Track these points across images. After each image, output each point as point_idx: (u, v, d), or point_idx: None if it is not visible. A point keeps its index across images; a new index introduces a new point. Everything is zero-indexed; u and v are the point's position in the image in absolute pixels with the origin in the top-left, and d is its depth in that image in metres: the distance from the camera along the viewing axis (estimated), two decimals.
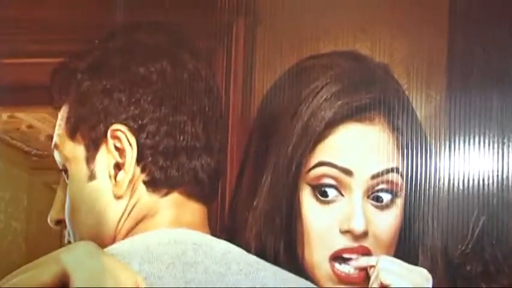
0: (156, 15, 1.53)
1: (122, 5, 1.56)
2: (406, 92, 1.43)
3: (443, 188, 1.44)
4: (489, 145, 1.45)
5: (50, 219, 1.38)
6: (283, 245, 1.36)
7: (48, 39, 1.55)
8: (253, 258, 1.27)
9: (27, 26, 1.61)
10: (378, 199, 1.37)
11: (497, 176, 1.46)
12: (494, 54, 1.41)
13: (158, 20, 1.47)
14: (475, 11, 1.43)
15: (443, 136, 1.44)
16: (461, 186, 1.45)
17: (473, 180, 1.45)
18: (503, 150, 1.47)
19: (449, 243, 1.43)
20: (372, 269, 1.33)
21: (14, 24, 1.62)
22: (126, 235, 1.29)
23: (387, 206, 1.37)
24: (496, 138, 1.45)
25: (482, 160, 1.45)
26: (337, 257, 1.35)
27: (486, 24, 1.45)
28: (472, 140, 1.45)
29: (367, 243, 1.35)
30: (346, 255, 1.35)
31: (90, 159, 1.31)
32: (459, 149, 1.45)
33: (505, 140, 1.44)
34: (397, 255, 1.37)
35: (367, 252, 1.35)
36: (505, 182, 1.46)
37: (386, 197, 1.37)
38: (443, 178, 1.44)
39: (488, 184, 1.46)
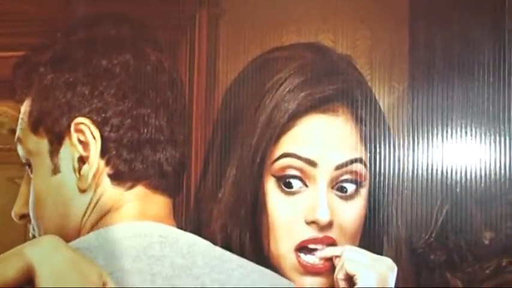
0: (118, 7, 1.52)
1: None
2: (369, 83, 1.44)
3: (406, 177, 1.45)
4: (451, 135, 1.46)
5: (14, 213, 1.37)
6: (248, 236, 1.36)
7: (9, 32, 1.54)
8: (219, 250, 1.26)
9: None
10: (342, 189, 1.37)
11: (460, 165, 1.47)
12: (455, 45, 1.42)
13: (120, 12, 1.45)
14: (436, 2, 1.44)
15: (406, 126, 1.45)
16: (424, 176, 1.46)
17: (437, 169, 1.46)
18: (465, 139, 1.47)
19: (414, 232, 1.44)
20: (337, 259, 1.33)
21: None
22: (91, 229, 1.28)
23: (351, 196, 1.38)
24: (458, 128, 1.46)
25: (444, 150, 1.46)
26: (303, 248, 1.36)
27: (447, 15, 1.46)
28: (434, 130, 1.46)
29: (332, 233, 1.36)
30: (311, 246, 1.35)
31: (53, 153, 1.30)
32: (422, 139, 1.46)
33: (467, 130, 1.45)
34: (362, 245, 1.38)
35: (332, 243, 1.35)
36: (468, 171, 1.47)
37: (350, 187, 1.37)
38: (407, 168, 1.45)
39: (452, 173, 1.47)
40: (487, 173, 1.46)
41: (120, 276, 1.20)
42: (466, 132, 1.43)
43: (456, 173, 1.45)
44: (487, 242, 1.43)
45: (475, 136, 1.45)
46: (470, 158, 1.46)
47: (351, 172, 1.37)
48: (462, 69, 1.41)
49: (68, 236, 1.26)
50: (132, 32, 1.36)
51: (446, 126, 1.43)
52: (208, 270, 1.23)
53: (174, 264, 1.22)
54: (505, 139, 1.46)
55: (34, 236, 1.33)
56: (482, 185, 1.44)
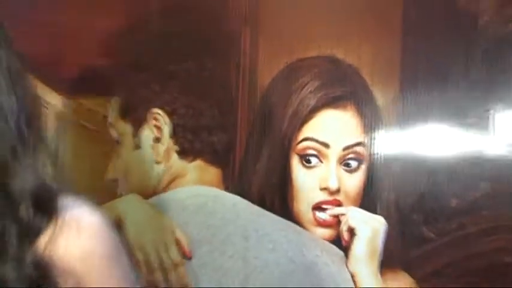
0: (183, 26, 1.55)
1: (158, 17, 1.61)
2: (370, 87, 1.51)
3: (396, 157, 1.52)
4: (432, 126, 1.49)
5: (107, 178, 1.47)
6: (277, 198, 1.44)
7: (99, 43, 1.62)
8: (256, 208, 1.35)
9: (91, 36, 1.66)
10: (347, 165, 1.45)
11: (439, 149, 1.49)
12: (436, 59, 1.45)
13: (187, 29, 1.52)
14: (423, 26, 1.48)
15: (396, 119, 1.51)
16: (410, 157, 1.52)
17: (420, 152, 1.47)
18: (444, 130, 1.51)
19: (401, 199, 1.51)
20: (342, 217, 1.42)
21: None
22: (163, 190, 1.37)
23: (354, 170, 1.46)
24: (438, 121, 1.52)
25: (427, 137, 1.50)
26: (317, 207, 1.44)
27: (431, 33, 1.49)
28: (419, 123, 1.49)
29: (339, 197, 1.44)
30: (324, 206, 1.44)
31: (135, 134, 1.40)
32: (409, 128, 1.52)
33: (445, 125, 1.50)
34: (361, 206, 1.46)
35: (339, 204, 1.43)
36: (444, 154, 1.53)
37: (354, 164, 1.45)
38: (397, 150, 1.53)
39: (431, 155, 1.50)
40: (459, 155, 1.52)
41: (182, 226, 1.27)
42: (443, 127, 1.52)
43: (435, 155, 1.52)
44: (453, 205, 1.52)
45: (452, 127, 1.52)
46: (447, 144, 1.50)
47: (355, 152, 1.45)
48: (441, 78, 1.46)
49: (146, 195, 1.35)
50: (193, 44, 1.44)
51: (429, 119, 1.51)
52: (248, 223, 1.31)
53: (223, 217, 1.30)
54: (475, 130, 1.54)
55: (121, 195, 1.42)
56: (454, 164, 1.52)
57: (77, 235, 0.95)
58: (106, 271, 0.98)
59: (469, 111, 1.56)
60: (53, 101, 1.73)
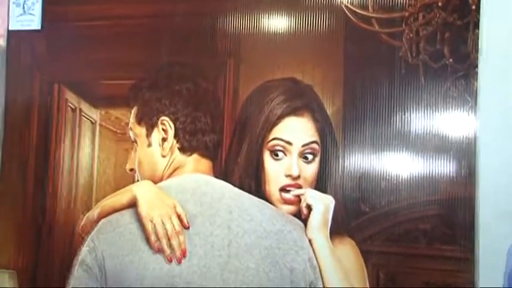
0: (181, 57, 1.53)
1: (167, 51, 1.55)
2: (321, 100, 1.40)
3: (339, 152, 1.42)
4: (366, 129, 1.43)
5: (127, 168, 1.36)
6: (253, 183, 1.34)
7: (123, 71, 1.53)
8: (237, 190, 1.25)
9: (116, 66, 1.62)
10: (305, 158, 1.35)
11: (373, 144, 1.44)
12: (368, 80, 1.39)
13: (187, 60, 1.48)
14: (359, 56, 1.41)
15: (340, 124, 1.42)
16: (351, 150, 1.43)
17: (358, 147, 1.43)
18: (375, 130, 1.44)
19: (344, 182, 1.41)
20: (302, 196, 1.32)
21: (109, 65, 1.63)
22: (168, 177, 1.27)
23: (311, 161, 1.35)
24: (369, 126, 1.43)
25: (363, 136, 1.43)
26: (283, 189, 1.34)
27: (364, 64, 1.43)
28: (357, 126, 1.42)
29: (299, 181, 1.33)
30: (288, 188, 1.34)
31: (148, 135, 1.29)
32: (349, 129, 1.42)
33: (376, 127, 1.42)
34: (315, 188, 1.35)
35: (299, 187, 1.33)
36: (378, 147, 1.43)
37: (310, 157, 1.35)
38: (340, 146, 1.42)
39: (367, 149, 1.43)
40: (388, 148, 1.43)
41: (183, 204, 1.19)
42: (376, 126, 1.41)
43: (369, 148, 1.42)
44: (382, 187, 1.41)
45: (380, 127, 1.42)
46: (377, 140, 1.42)
47: (311, 148, 1.34)
48: (374, 100, 1.39)
49: (155, 181, 1.27)
50: (192, 71, 1.34)
51: (364, 124, 1.41)
52: (231, 201, 1.21)
53: (213, 196, 1.21)
54: (398, 129, 1.42)
55: (138, 181, 1.32)
56: (383, 155, 1.42)
57: None
58: None
59: (392, 116, 1.45)
60: (90, 112, 1.61)
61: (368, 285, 1.33)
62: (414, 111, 1.41)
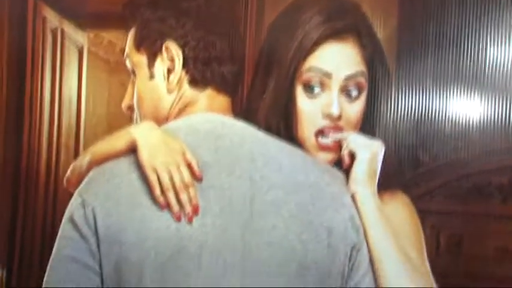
0: None
1: None
2: (370, 21, 1.38)
3: (392, 86, 1.39)
4: (426, 57, 1.42)
5: (124, 105, 1.36)
6: (282, 125, 1.33)
7: None
8: (261, 133, 1.25)
9: None
10: (348, 93, 1.34)
11: (434, 77, 1.43)
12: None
13: None
14: None
15: (394, 52, 1.40)
16: (406, 85, 1.42)
17: (416, 81, 1.42)
18: (438, 60, 1.43)
19: (398, 124, 1.41)
20: (344, 141, 1.31)
21: None
22: (175, 117, 1.28)
23: (355, 99, 1.34)
24: (431, 54, 1.41)
25: (422, 67, 1.42)
26: (320, 133, 1.33)
27: None
28: (414, 54, 1.41)
29: (341, 123, 1.33)
30: (326, 132, 1.33)
31: (150, 64, 1.29)
32: (405, 59, 1.41)
33: (439, 55, 1.40)
34: (360, 132, 1.35)
35: (341, 130, 1.33)
36: (442, 82, 1.43)
37: (354, 93, 1.34)
38: (393, 80, 1.41)
39: (427, 83, 1.43)
40: (453, 82, 1.42)
41: (193, 149, 1.20)
42: (438, 54, 1.39)
43: (430, 82, 1.41)
44: (447, 131, 1.40)
45: (445, 56, 1.41)
46: (441, 73, 1.42)
47: (356, 81, 1.33)
48: (436, 13, 1.36)
49: (158, 122, 1.27)
50: None
51: (424, 50, 1.39)
52: (253, 146, 1.22)
53: (231, 141, 1.22)
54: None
55: (137, 122, 1.32)
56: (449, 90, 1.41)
57: None
58: None
59: (462, 43, 1.44)
60: (75, 35, 1.57)
61: (425, 252, 1.33)
62: (493, 38, 1.40)
